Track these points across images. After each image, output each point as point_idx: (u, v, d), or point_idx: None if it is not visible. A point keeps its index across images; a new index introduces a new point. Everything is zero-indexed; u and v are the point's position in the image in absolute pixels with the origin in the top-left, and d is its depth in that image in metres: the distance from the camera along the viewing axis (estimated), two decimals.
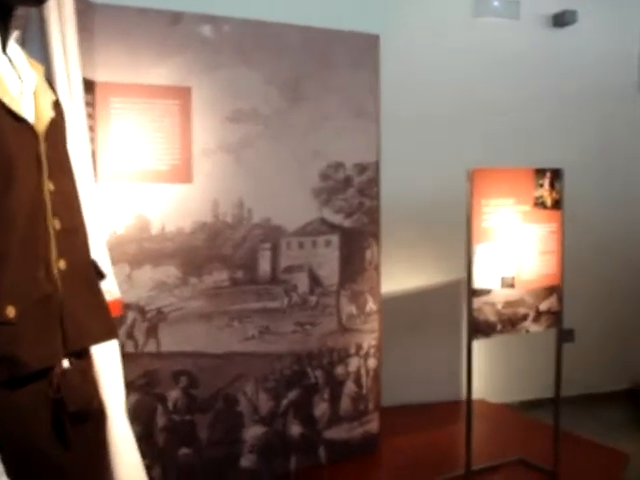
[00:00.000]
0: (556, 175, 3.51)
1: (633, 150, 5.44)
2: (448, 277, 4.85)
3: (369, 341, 3.92)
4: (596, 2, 5.24)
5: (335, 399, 3.84)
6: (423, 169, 4.74)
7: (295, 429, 3.73)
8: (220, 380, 3.49)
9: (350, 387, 3.88)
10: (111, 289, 2.49)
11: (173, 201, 3.34)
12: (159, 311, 3.32)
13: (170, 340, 3.35)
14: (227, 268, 3.49)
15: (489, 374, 5.03)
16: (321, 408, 3.80)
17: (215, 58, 3.42)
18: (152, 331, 3.31)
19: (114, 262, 3.01)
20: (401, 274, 4.77)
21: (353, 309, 3.85)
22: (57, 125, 1.52)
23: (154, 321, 3.31)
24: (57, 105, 1.56)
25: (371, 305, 3.92)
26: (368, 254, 3.89)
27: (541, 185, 3.48)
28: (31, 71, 1.49)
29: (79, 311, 1.47)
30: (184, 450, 3.42)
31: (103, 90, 3.16)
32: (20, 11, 1.52)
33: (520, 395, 5.12)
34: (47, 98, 1.51)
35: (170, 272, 3.34)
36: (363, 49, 3.81)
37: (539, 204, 3.49)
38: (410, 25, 4.76)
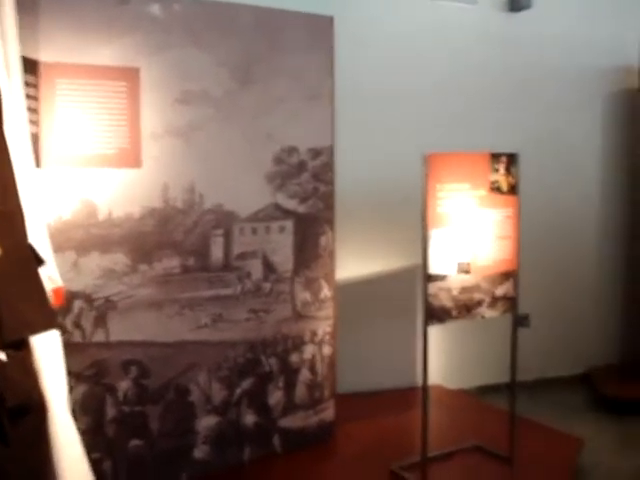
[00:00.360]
0: (512, 160, 3.50)
1: (584, 134, 5.46)
2: (404, 263, 4.83)
3: (324, 328, 3.88)
4: None
5: (290, 387, 3.79)
6: (378, 153, 4.71)
7: (249, 418, 3.68)
8: (171, 370, 3.42)
9: (305, 375, 3.84)
10: (52, 275, 2.39)
11: (121, 186, 3.25)
12: (107, 300, 3.24)
13: (119, 329, 3.27)
14: (178, 255, 3.41)
15: (445, 360, 5.04)
16: (276, 397, 3.75)
17: (164, 38, 3.32)
18: (100, 320, 3.23)
19: (60, 249, 2.93)
20: (356, 260, 4.74)
21: (307, 296, 3.81)
22: None
23: (102, 310, 3.23)
24: None
25: (326, 292, 3.87)
26: (323, 240, 3.84)
27: (497, 170, 3.46)
28: None
29: (16, 299, 1.39)
30: (135, 442, 3.36)
31: (48, 71, 3.05)
32: None
33: (477, 380, 5.14)
34: None
35: (118, 259, 3.26)
36: (317, 31, 3.74)
37: (495, 189, 3.47)
38: (366, 8, 4.71)
